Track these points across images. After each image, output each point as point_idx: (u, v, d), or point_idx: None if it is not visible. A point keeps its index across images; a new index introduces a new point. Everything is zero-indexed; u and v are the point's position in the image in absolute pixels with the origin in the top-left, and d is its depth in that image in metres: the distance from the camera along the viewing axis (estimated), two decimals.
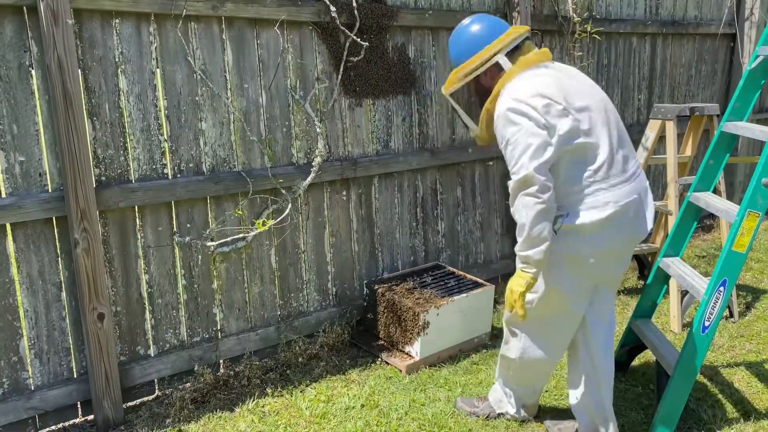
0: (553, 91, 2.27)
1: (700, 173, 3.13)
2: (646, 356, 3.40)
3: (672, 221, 3.86)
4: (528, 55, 2.41)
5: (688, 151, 4.25)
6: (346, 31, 3.37)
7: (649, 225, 2.42)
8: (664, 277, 3.24)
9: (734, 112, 3.04)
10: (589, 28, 4.44)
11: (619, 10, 4.86)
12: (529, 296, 2.44)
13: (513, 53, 2.41)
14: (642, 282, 4.50)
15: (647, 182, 2.46)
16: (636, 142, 4.66)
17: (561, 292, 2.44)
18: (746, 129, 2.92)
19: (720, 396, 3.07)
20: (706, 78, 5.74)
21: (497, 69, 2.40)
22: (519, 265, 2.34)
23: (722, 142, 3.10)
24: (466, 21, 2.49)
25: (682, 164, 4.19)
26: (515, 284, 2.34)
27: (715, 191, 3.24)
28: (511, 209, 2.29)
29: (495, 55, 2.39)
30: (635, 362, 3.36)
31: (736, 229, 2.60)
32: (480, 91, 2.48)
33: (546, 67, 2.41)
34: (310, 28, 3.33)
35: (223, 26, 3.05)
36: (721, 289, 2.62)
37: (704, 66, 5.68)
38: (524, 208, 2.22)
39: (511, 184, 2.26)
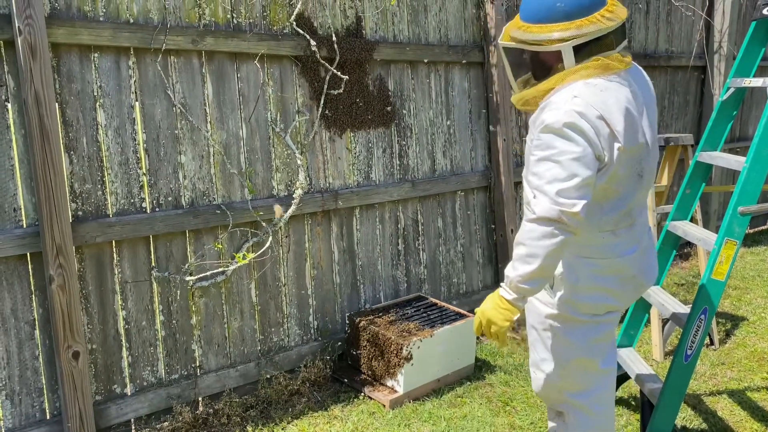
0: (618, 120, 1.91)
1: (677, 202, 3.17)
2: (630, 386, 3.40)
3: None
4: (608, 60, 1.96)
5: (665, 181, 4.31)
6: (327, 64, 3.40)
7: (653, 278, 2.27)
8: (645, 306, 3.25)
9: (708, 142, 3.10)
10: None
11: None
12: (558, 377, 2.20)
13: (589, 47, 1.96)
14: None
15: (652, 235, 2.29)
16: None
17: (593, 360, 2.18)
18: (721, 158, 2.98)
19: (704, 425, 3.06)
20: (679, 109, 5.87)
21: (557, 55, 1.98)
22: (508, 295, 1.97)
23: (698, 171, 3.15)
24: None
25: (658, 193, 4.25)
26: (501, 318, 1.99)
27: (692, 220, 3.28)
28: (522, 234, 1.92)
29: (561, 41, 1.93)
30: (619, 392, 3.35)
31: (714, 257, 2.63)
32: (537, 63, 2.06)
33: (621, 78, 1.99)
34: (291, 61, 3.35)
35: (203, 60, 3.06)
36: (702, 317, 2.63)
37: (677, 97, 5.82)
38: (547, 238, 1.86)
39: (539, 210, 1.87)
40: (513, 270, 1.93)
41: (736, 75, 2.99)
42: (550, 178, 1.85)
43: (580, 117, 1.86)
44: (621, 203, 2.03)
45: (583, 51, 1.94)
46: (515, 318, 1.99)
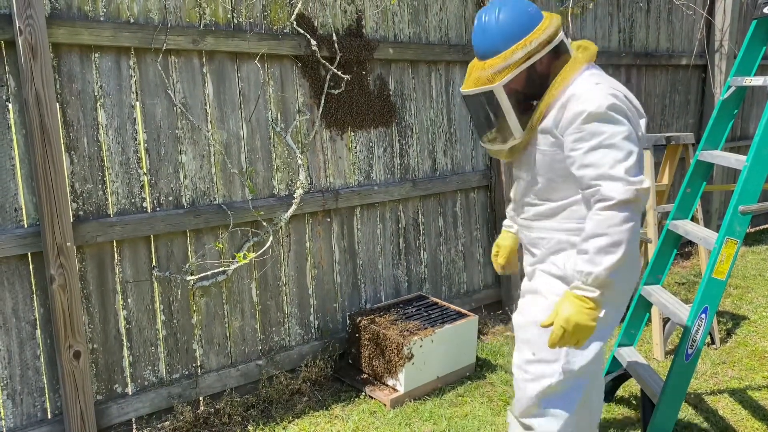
0: (632, 96, 2.00)
1: (678, 201, 3.17)
2: (631, 385, 3.39)
3: (652, 249, 3.90)
4: (590, 47, 2.06)
5: (665, 180, 4.31)
6: (327, 64, 3.40)
7: None
8: (646, 305, 3.25)
9: (709, 141, 3.10)
10: None
11: (595, 42, 4.96)
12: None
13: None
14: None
15: None
16: None
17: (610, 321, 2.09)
18: (722, 157, 2.97)
19: (705, 424, 3.06)
20: (680, 108, 5.87)
21: (554, 56, 1.98)
22: (591, 293, 1.86)
23: (698, 170, 3.15)
24: (493, 5, 2.01)
25: (659, 192, 4.25)
26: (589, 318, 1.86)
27: (693, 219, 3.28)
28: (600, 223, 1.84)
29: (555, 35, 1.96)
30: (620, 391, 3.35)
31: (715, 256, 2.63)
32: (532, 82, 1.99)
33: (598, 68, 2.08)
34: (291, 61, 3.35)
35: (204, 60, 3.06)
36: (703, 316, 2.63)
37: (678, 96, 5.82)
38: (630, 221, 1.83)
39: (616, 194, 1.82)
40: (595, 265, 1.84)
41: (736, 74, 2.99)
42: (611, 162, 1.85)
43: (615, 99, 1.89)
44: None
45: (560, 45, 2.01)
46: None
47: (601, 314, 1.91)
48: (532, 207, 2.16)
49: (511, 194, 2.40)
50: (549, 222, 2.11)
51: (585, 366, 2.07)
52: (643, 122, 2.01)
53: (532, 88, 1.99)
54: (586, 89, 1.92)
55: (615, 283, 1.87)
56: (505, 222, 2.51)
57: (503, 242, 2.51)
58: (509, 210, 2.44)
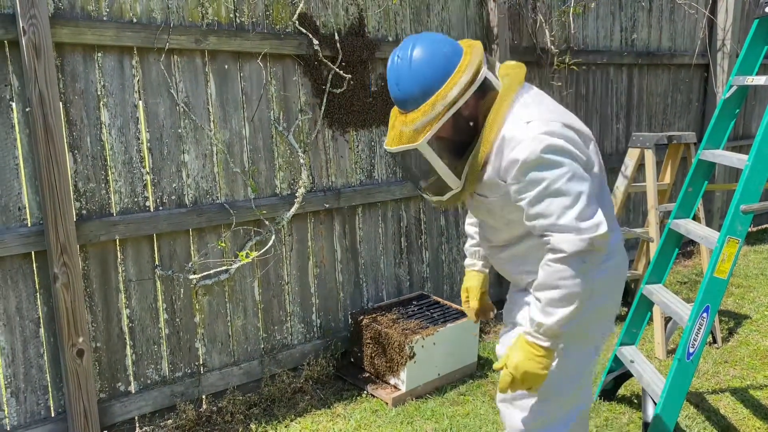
0: (571, 119, 1.80)
1: (680, 200, 3.17)
2: (632, 384, 3.40)
3: (653, 248, 3.90)
4: (512, 69, 1.83)
5: (667, 179, 4.31)
6: (329, 63, 3.41)
7: None
8: (648, 304, 3.26)
9: (711, 141, 3.10)
10: (567, 60, 4.53)
11: (596, 41, 4.97)
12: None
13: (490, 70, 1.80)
14: (625, 309, 4.51)
15: None
16: (615, 171, 4.73)
17: (596, 337, 1.98)
18: (723, 157, 2.97)
19: (707, 423, 3.06)
20: (682, 107, 5.86)
21: (480, 95, 1.74)
22: (543, 342, 1.75)
23: (700, 169, 3.15)
24: (411, 43, 1.74)
25: (661, 192, 4.25)
26: (539, 367, 1.76)
27: (695, 218, 3.28)
28: (551, 275, 1.70)
29: (479, 70, 1.72)
30: (621, 390, 3.36)
31: (716, 255, 2.63)
32: (461, 129, 1.76)
33: (530, 88, 1.86)
34: (293, 60, 3.36)
35: (206, 59, 3.07)
36: (704, 315, 2.63)
37: (679, 95, 5.81)
38: (585, 274, 1.69)
39: (567, 246, 1.66)
40: (547, 316, 1.72)
41: (738, 73, 2.99)
42: (559, 211, 1.67)
43: (550, 137, 1.68)
44: (603, 191, 1.91)
45: (485, 83, 1.75)
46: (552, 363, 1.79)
47: (554, 365, 1.82)
48: (503, 249, 1.99)
49: (468, 229, 2.24)
50: (522, 265, 1.96)
51: (571, 410, 1.98)
52: (592, 145, 1.82)
53: (462, 136, 1.77)
54: (518, 131, 1.70)
55: (589, 325, 1.82)
56: (467, 261, 2.26)
57: (470, 283, 2.24)
58: (469, 246, 2.24)
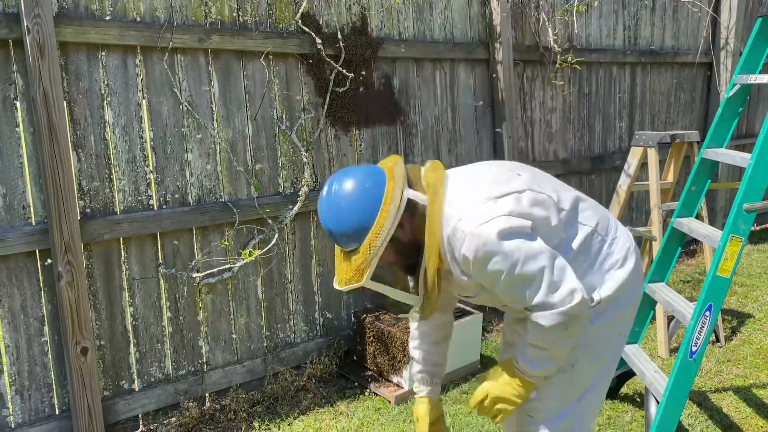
0: (501, 186, 1.72)
1: (683, 199, 3.17)
2: (635, 382, 3.40)
3: (656, 247, 3.90)
4: (430, 176, 1.78)
5: (670, 178, 4.31)
6: (332, 62, 3.41)
7: None
8: (651, 303, 3.25)
9: (714, 139, 3.09)
10: (569, 58, 4.52)
11: (599, 40, 4.97)
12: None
13: (410, 186, 1.75)
14: None
15: None
16: (618, 169, 4.73)
17: (606, 361, 1.90)
18: (726, 155, 2.97)
19: (709, 422, 3.06)
20: (685, 105, 5.86)
21: (410, 212, 1.71)
22: (528, 378, 1.76)
23: (703, 168, 3.15)
24: (333, 184, 1.71)
25: (664, 190, 4.24)
26: (516, 395, 1.77)
27: (698, 217, 3.28)
28: (535, 341, 1.69)
29: (402, 196, 1.69)
30: (624, 389, 3.36)
31: (719, 254, 2.63)
32: (404, 250, 1.75)
33: (451, 176, 1.81)
34: (296, 59, 3.36)
35: (210, 58, 3.07)
36: (707, 314, 2.63)
37: (683, 94, 5.80)
38: (570, 338, 1.68)
39: (545, 322, 1.64)
40: (530, 364, 1.72)
41: (741, 71, 2.99)
42: (527, 296, 1.63)
43: (485, 226, 1.61)
44: (584, 209, 1.84)
45: (410, 203, 1.71)
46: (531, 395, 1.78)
47: (533, 395, 1.80)
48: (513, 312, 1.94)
49: (414, 354, 2.09)
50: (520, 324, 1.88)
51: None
52: (541, 202, 1.72)
53: (407, 257, 1.76)
54: (456, 232, 1.66)
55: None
56: (414, 386, 2.11)
57: (419, 411, 2.07)
58: (415, 372, 2.07)
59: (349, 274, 1.70)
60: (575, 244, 1.76)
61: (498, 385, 1.78)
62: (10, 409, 2.69)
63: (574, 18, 4.64)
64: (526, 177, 1.78)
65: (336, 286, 1.76)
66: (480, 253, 1.61)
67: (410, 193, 1.71)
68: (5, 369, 2.67)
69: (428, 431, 2.04)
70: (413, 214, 1.71)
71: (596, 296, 1.78)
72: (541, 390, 1.82)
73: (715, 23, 5.75)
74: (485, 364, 3.69)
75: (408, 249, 1.74)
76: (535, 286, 1.61)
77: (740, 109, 3.08)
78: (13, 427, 2.69)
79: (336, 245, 1.76)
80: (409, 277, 1.82)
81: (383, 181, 1.70)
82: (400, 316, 1.78)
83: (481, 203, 1.66)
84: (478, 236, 1.61)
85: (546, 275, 1.61)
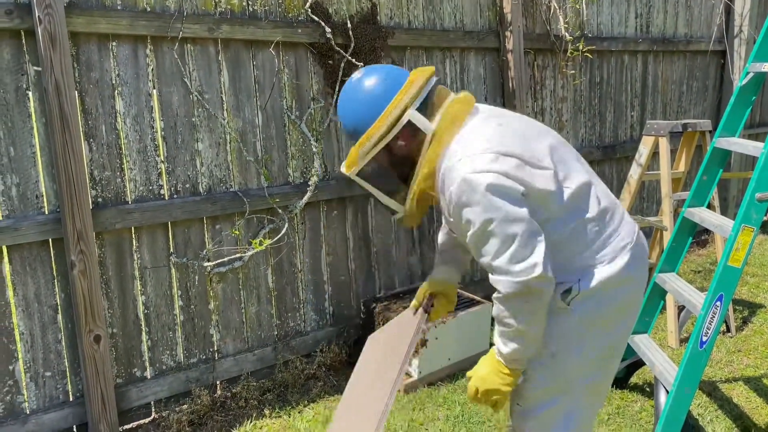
0: (515, 143, 1.71)
1: (694, 189, 3.15)
2: (645, 372, 3.40)
3: (667, 237, 3.88)
4: (453, 107, 1.79)
5: (682, 167, 4.28)
6: (342, 51, 3.40)
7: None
8: (661, 293, 3.24)
9: (726, 128, 3.07)
10: (581, 47, 4.49)
11: (611, 28, 4.92)
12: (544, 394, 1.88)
13: (429, 107, 1.78)
14: None
15: None
16: (630, 158, 4.70)
17: (594, 359, 1.87)
18: (738, 145, 2.95)
19: (719, 412, 3.06)
20: (698, 94, 5.80)
21: (413, 131, 1.76)
22: (505, 362, 1.79)
23: (715, 157, 3.12)
24: (356, 75, 1.82)
25: (675, 180, 4.22)
26: (502, 382, 1.79)
27: (709, 206, 3.26)
28: (499, 312, 1.72)
29: (404, 111, 1.74)
30: (633, 379, 3.36)
31: (731, 244, 2.62)
32: (397, 162, 1.81)
33: (480, 113, 1.83)
34: (306, 49, 3.36)
35: (219, 48, 3.08)
36: (718, 304, 2.62)
37: (695, 82, 5.75)
38: (526, 313, 1.69)
39: (503, 288, 1.67)
40: (503, 345, 1.75)
41: (755, 59, 2.95)
42: (492, 253, 1.65)
43: (479, 175, 1.63)
44: (592, 194, 1.81)
45: (429, 113, 1.76)
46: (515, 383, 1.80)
47: (520, 380, 1.82)
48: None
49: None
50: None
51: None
52: (546, 176, 1.72)
53: (399, 169, 1.82)
54: (451, 169, 1.69)
55: (528, 355, 1.76)
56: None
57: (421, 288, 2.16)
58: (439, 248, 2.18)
59: (347, 162, 1.84)
60: (569, 227, 1.76)
61: (484, 376, 1.81)
62: (25, 396, 2.73)
63: (585, 6, 4.59)
64: (543, 146, 1.77)
65: (342, 168, 1.90)
66: (463, 198, 1.65)
67: (415, 117, 1.75)
68: (20, 356, 2.71)
69: (422, 299, 2.13)
70: (414, 134, 1.76)
71: (575, 286, 1.78)
72: (526, 379, 1.85)
73: (728, 11, 5.68)
74: None
75: (402, 162, 1.81)
76: (502, 249, 1.64)
77: (753, 97, 3.05)
78: (28, 413, 2.73)
79: None
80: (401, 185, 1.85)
81: (394, 93, 1.76)
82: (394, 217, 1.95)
83: (485, 152, 1.67)
84: (468, 182, 1.64)
85: (515, 244, 1.63)
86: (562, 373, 1.84)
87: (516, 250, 1.63)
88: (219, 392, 3.23)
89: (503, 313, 1.71)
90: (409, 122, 1.75)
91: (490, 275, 1.70)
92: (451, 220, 1.78)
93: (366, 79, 1.78)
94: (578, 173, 1.79)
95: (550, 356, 1.83)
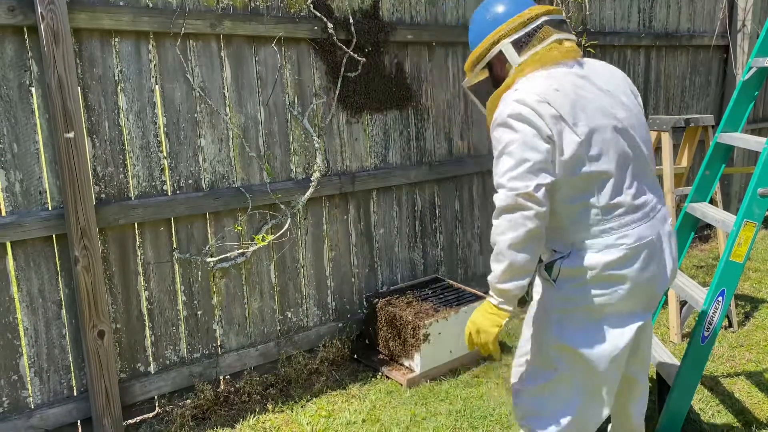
0: (563, 102, 1.86)
1: (696, 184, 3.15)
2: None
3: None
4: (547, 51, 1.95)
5: (684, 162, 4.27)
6: (344, 47, 3.40)
7: (670, 275, 2.04)
8: None
9: (729, 123, 3.07)
10: (583, 41, 4.48)
11: (613, 23, 4.91)
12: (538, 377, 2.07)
13: (528, 43, 1.96)
14: None
15: (670, 224, 2.06)
16: None
17: (580, 352, 1.98)
18: (741, 140, 2.95)
19: (721, 406, 3.07)
20: (700, 89, 5.79)
21: (504, 60, 2.02)
22: (493, 299, 1.92)
23: (717, 153, 3.13)
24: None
25: (678, 175, 4.21)
26: (489, 323, 1.93)
27: (712, 201, 3.26)
28: (492, 231, 1.88)
29: (498, 42, 1.99)
30: None
31: (733, 239, 2.62)
32: (493, 82, 2.12)
33: (568, 67, 1.97)
34: (308, 44, 3.36)
35: (222, 44, 3.08)
36: (720, 299, 2.63)
37: (698, 77, 5.73)
38: (511, 230, 1.81)
39: (498, 202, 1.85)
40: (493, 272, 1.90)
41: (758, 54, 2.95)
42: (503, 171, 1.85)
43: (519, 104, 1.87)
44: (609, 185, 1.91)
45: (525, 48, 1.98)
46: (504, 323, 1.93)
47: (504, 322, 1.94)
48: None
49: None
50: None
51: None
52: (576, 142, 1.86)
53: (492, 87, 2.12)
54: (507, 97, 1.94)
55: (513, 291, 1.88)
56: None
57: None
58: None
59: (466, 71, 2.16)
60: (575, 203, 1.91)
61: (474, 318, 1.98)
62: (30, 391, 2.75)
63: (587, 1, 4.58)
64: (589, 122, 1.89)
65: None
66: (500, 117, 1.90)
67: (506, 47, 1.99)
68: (24, 351, 2.72)
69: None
70: (505, 63, 2.02)
71: (558, 262, 1.96)
72: (519, 341, 2.18)
73: (731, 5, 5.66)
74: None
75: (495, 83, 2.09)
76: (512, 167, 1.83)
77: (756, 92, 3.05)
78: (32, 408, 2.75)
79: None
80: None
81: (504, 22, 2.00)
82: None
83: (535, 91, 1.89)
84: (508, 105, 1.89)
85: (526, 165, 1.82)
86: (543, 346, 2.07)
87: (520, 173, 1.81)
88: (222, 387, 3.24)
89: (494, 231, 1.88)
90: (501, 52, 2.00)
91: (495, 195, 1.88)
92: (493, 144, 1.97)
93: (494, 3, 2.05)
94: (605, 162, 1.89)
95: (530, 323, 2.13)
